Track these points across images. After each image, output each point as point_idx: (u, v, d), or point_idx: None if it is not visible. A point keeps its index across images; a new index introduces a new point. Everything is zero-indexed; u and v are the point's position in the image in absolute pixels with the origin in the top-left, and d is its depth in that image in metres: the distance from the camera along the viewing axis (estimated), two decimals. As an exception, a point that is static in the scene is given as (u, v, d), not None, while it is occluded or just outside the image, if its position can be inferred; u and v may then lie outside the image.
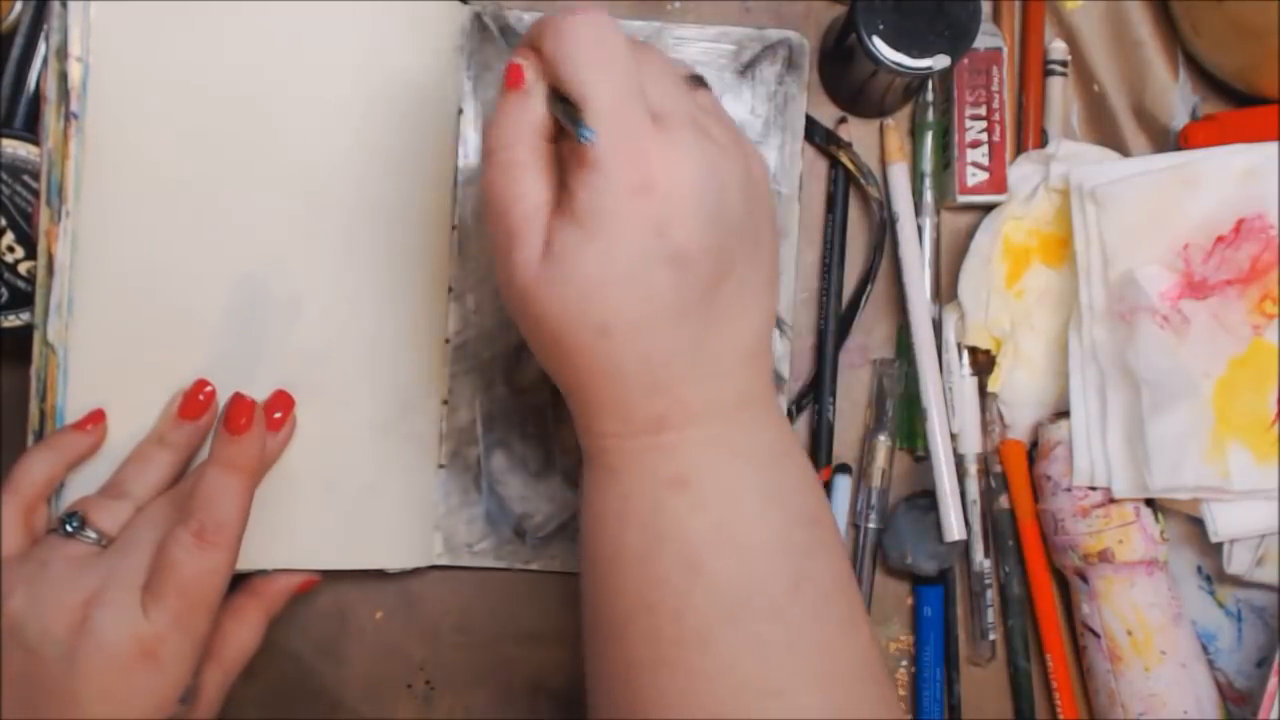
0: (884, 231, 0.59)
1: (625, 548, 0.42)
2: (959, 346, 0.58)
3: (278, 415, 0.53)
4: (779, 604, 0.41)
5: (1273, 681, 0.54)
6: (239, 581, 0.53)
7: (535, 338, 0.42)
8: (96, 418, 0.52)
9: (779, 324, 0.58)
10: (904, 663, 0.60)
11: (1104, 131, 0.61)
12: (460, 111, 0.57)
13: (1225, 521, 0.54)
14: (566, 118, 0.40)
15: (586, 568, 0.43)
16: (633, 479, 0.42)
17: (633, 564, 0.41)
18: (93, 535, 0.48)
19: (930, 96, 0.60)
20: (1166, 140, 0.60)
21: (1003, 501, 0.59)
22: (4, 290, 0.53)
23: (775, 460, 0.43)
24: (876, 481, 0.59)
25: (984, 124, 0.58)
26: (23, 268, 0.53)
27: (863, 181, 0.59)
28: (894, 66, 0.54)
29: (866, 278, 0.59)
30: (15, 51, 0.55)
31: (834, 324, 0.59)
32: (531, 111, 0.41)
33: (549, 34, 0.40)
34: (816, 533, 0.43)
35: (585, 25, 0.40)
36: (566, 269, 0.39)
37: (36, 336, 0.51)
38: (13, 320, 0.53)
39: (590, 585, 0.43)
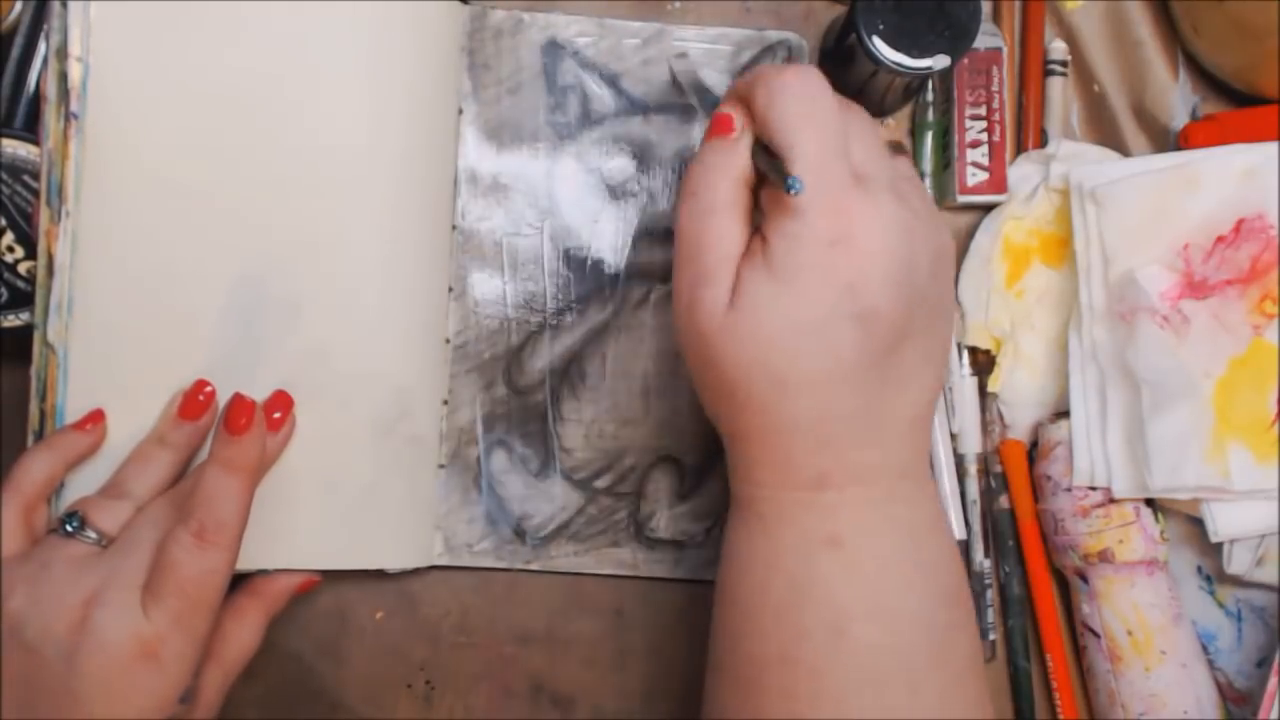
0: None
1: (770, 597, 0.42)
2: (959, 346, 0.58)
3: (277, 415, 0.53)
4: (917, 678, 0.41)
5: (1273, 681, 0.54)
6: (239, 581, 0.53)
7: (707, 382, 0.42)
8: (96, 418, 0.52)
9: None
10: (904, 663, 0.60)
11: (1104, 131, 0.61)
12: (460, 112, 0.57)
13: (1225, 521, 0.54)
14: (772, 168, 0.40)
15: (723, 609, 0.44)
16: (786, 532, 0.42)
17: (775, 614, 0.42)
18: (93, 535, 0.48)
19: (930, 96, 0.60)
20: (1166, 140, 0.60)
21: (1003, 501, 0.59)
22: (4, 290, 0.53)
23: (927, 532, 0.44)
24: (877, 481, 0.59)
25: (984, 124, 0.58)
26: (22, 268, 0.53)
27: (863, 181, 0.59)
28: (894, 66, 0.54)
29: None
30: (15, 51, 0.55)
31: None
32: (736, 158, 0.42)
33: (760, 87, 0.41)
34: (957, 613, 0.43)
35: (797, 81, 0.41)
36: (753, 318, 0.40)
37: (36, 336, 0.51)
38: (12, 320, 0.53)
39: (724, 626, 0.43)
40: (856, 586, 0.41)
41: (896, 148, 0.44)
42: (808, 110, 0.40)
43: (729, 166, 0.42)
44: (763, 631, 0.42)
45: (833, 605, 0.41)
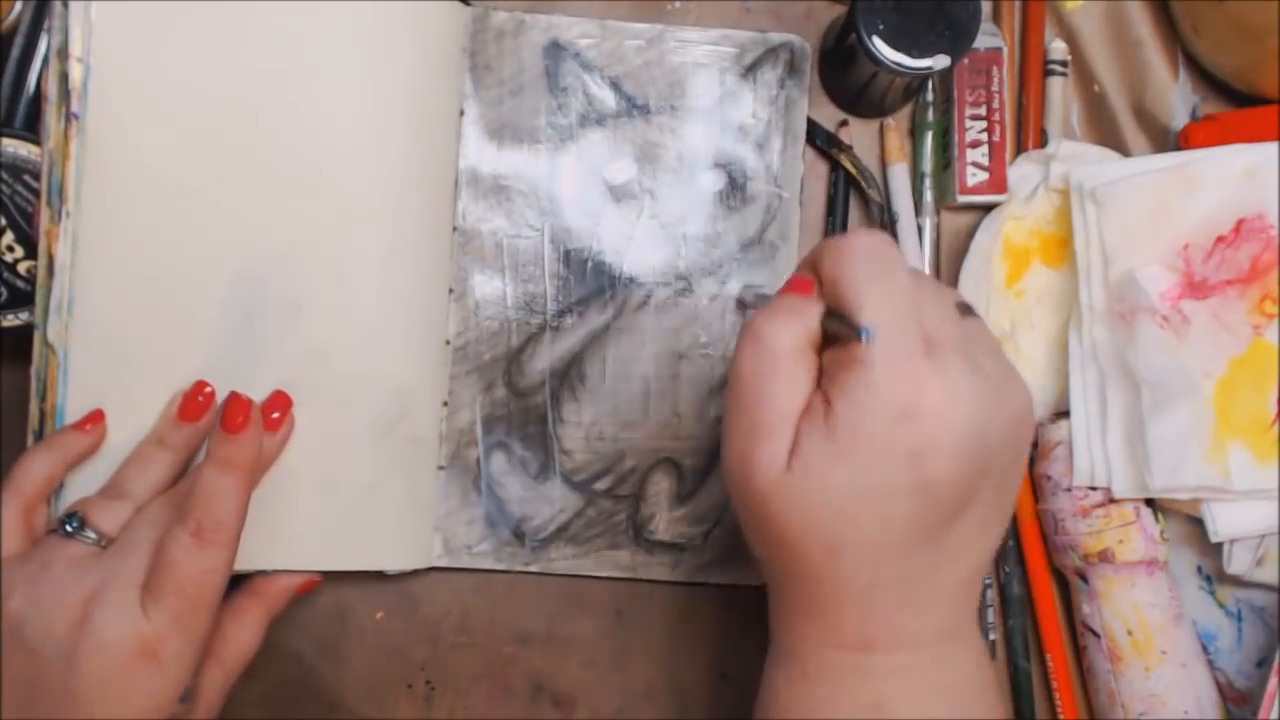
0: (884, 234, 0.59)
1: None
2: (959, 347, 0.58)
3: (275, 415, 0.53)
4: None
5: (1273, 681, 0.54)
6: (239, 582, 0.53)
7: (756, 533, 0.42)
8: (95, 418, 0.52)
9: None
10: (904, 663, 0.60)
11: (1104, 131, 0.61)
12: (462, 113, 0.57)
13: (1225, 521, 0.54)
14: (842, 324, 0.39)
15: None
16: (828, 691, 0.41)
17: None
18: (92, 535, 0.48)
19: (930, 96, 0.60)
20: (1166, 140, 0.60)
21: (1003, 502, 0.59)
22: (3, 290, 0.53)
23: (972, 695, 0.42)
24: (877, 482, 0.59)
25: (984, 124, 0.58)
26: (22, 267, 0.53)
27: (863, 184, 0.59)
28: (894, 66, 0.54)
29: (866, 279, 0.59)
30: (15, 51, 0.55)
31: (834, 326, 0.59)
32: (807, 316, 0.41)
33: (830, 253, 0.41)
34: None
35: (868, 246, 0.40)
36: (810, 481, 0.39)
37: (36, 336, 0.51)
38: (12, 320, 0.53)
39: None
40: None
41: (965, 309, 0.43)
42: (878, 274, 0.39)
43: (800, 320, 0.41)
44: None
45: None
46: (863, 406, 0.38)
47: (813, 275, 0.42)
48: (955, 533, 0.40)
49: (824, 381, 0.40)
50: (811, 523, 0.39)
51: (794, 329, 0.41)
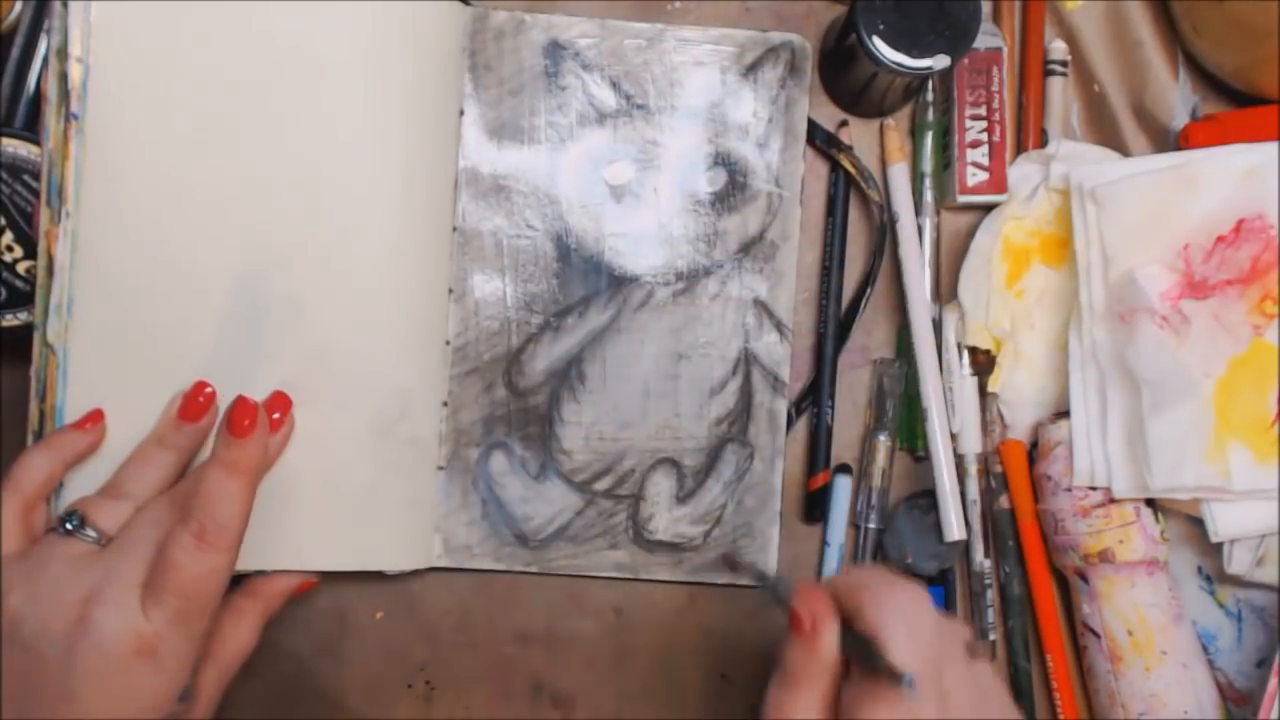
0: (884, 235, 0.59)
1: None
2: (959, 346, 0.58)
3: (275, 416, 0.52)
4: None
5: (1273, 681, 0.54)
6: (238, 581, 0.53)
7: None
8: (95, 417, 0.52)
9: (779, 328, 0.58)
10: (904, 663, 0.60)
11: (1104, 131, 0.61)
12: (462, 113, 0.57)
13: (1225, 521, 0.54)
14: (873, 660, 0.41)
15: None
16: None
17: None
18: (92, 534, 0.48)
19: (930, 96, 0.60)
20: (1166, 140, 0.60)
21: (1003, 501, 0.59)
22: (2, 290, 0.53)
23: None
24: (877, 481, 0.59)
25: (984, 124, 0.58)
26: (21, 267, 0.53)
27: (863, 185, 0.59)
28: (894, 66, 0.54)
29: (866, 281, 0.59)
30: (15, 51, 0.55)
31: (833, 328, 0.59)
32: (822, 670, 0.42)
33: (869, 598, 0.42)
34: None
35: (907, 600, 0.42)
36: None
37: (36, 337, 0.51)
38: (12, 320, 0.53)
39: None
40: None
41: (973, 650, 0.45)
42: (915, 630, 0.41)
43: (818, 685, 0.43)
44: None
45: None
46: None
47: (827, 604, 0.43)
48: None
49: (847, 708, 0.42)
50: None
51: (812, 702, 0.42)
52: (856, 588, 0.43)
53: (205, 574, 0.46)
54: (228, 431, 0.48)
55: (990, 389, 0.58)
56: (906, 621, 0.42)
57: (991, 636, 0.58)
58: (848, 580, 0.44)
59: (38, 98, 0.54)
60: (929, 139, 0.59)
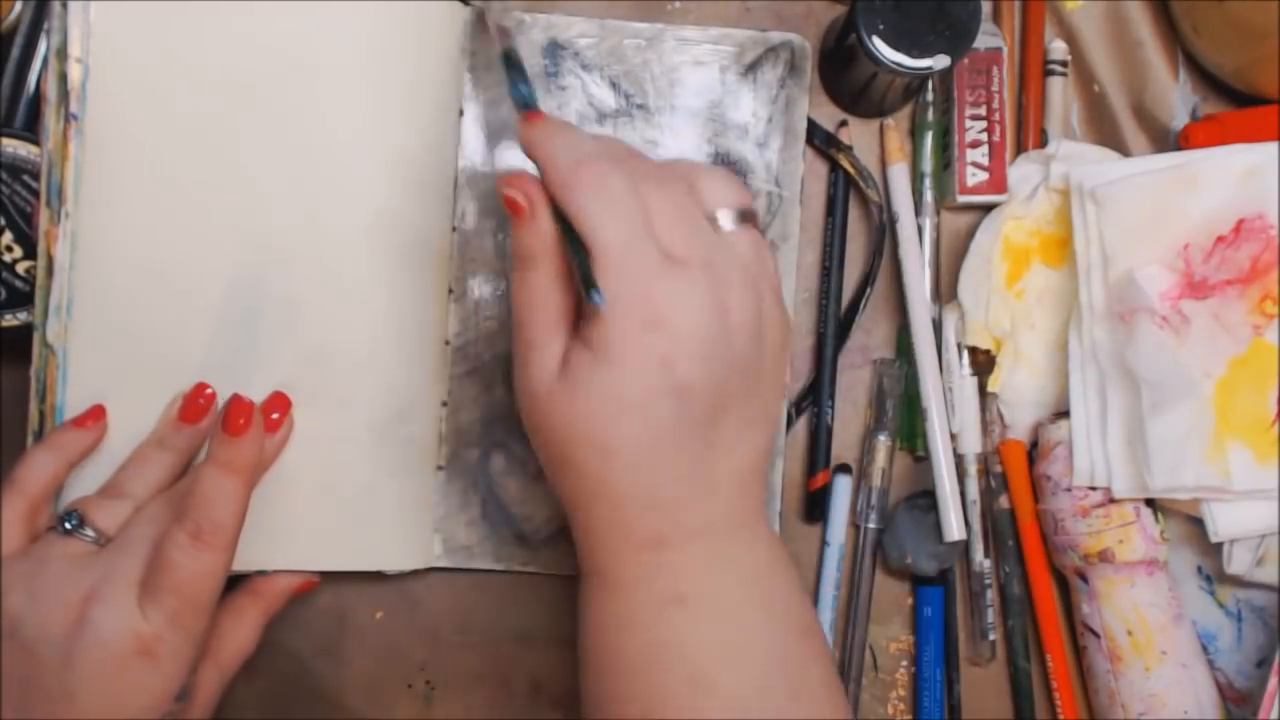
0: (883, 236, 0.59)
1: (626, 659, 0.43)
2: (959, 346, 0.58)
3: (275, 416, 0.53)
4: (782, 714, 0.42)
5: (1273, 681, 0.54)
6: (238, 581, 0.53)
7: (542, 450, 0.44)
8: (96, 414, 0.51)
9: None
10: (904, 663, 0.60)
11: (1104, 131, 0.61)
12: (461, 113, 0.57)
13: (1225, 521, 0.54)
14: (579, 267, 0.41)
15: (587, 675, 0.44)
16: (633, 594, 0.43)
17: (635, 676, 0.43)
18: (91, 534, 0.48)
19: (930, 96, 0.60)
20: (1166, 140, 0.60)
21: (1003, 501, 0.59)
22: (2, 290, 0.53)
23: (769, 574, 0.45)
24: (876, 481, 0.59)
25: (984, 124, 0.58)
26: (21, 267, 0.53)
27: (862, 185, 0.59)
28: (894, 66, 0.54)
29: (866, 281, 0.59)
30: (15, 51, 0.55)
31: (833, 328, 0.59)
32: (544, 230, 0.42)
33: (559, 182, 0.42)
34: (810, 642, 0.45)
35: (588, 173, 0.41)
36: (577, 389, 0.41)
37: (36, 337, 0.51)
38: (11, 320, 0.53)
39: (588, 692, 0.44)
40: (708, 638, 0.42)
41: (743, 216, 0.44)
42: (603, 200, 0.41)
43: (540, 236, 0.43)
44: (625, 694, 0.43)
45: (688, 660, 0.42)
46: (609, 323, 0.40)
47: (537, 186, 0.42)
48: (720, 428, 0.43)
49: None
50: (582, 429, 0.41)
51: (543, 249, 0.42)
52: (549, 171, 0.42)
53: (202, 573, 0.46)
54: (223, 431, 0.48)
55: (990, 389, 0.58)
56: (603, 206, 0.41)
57: (991, 636, 0.58)
58: (544, 163, 0.43)
59: (37, 98, 0.54)
60: (929, 139, 0.59)
